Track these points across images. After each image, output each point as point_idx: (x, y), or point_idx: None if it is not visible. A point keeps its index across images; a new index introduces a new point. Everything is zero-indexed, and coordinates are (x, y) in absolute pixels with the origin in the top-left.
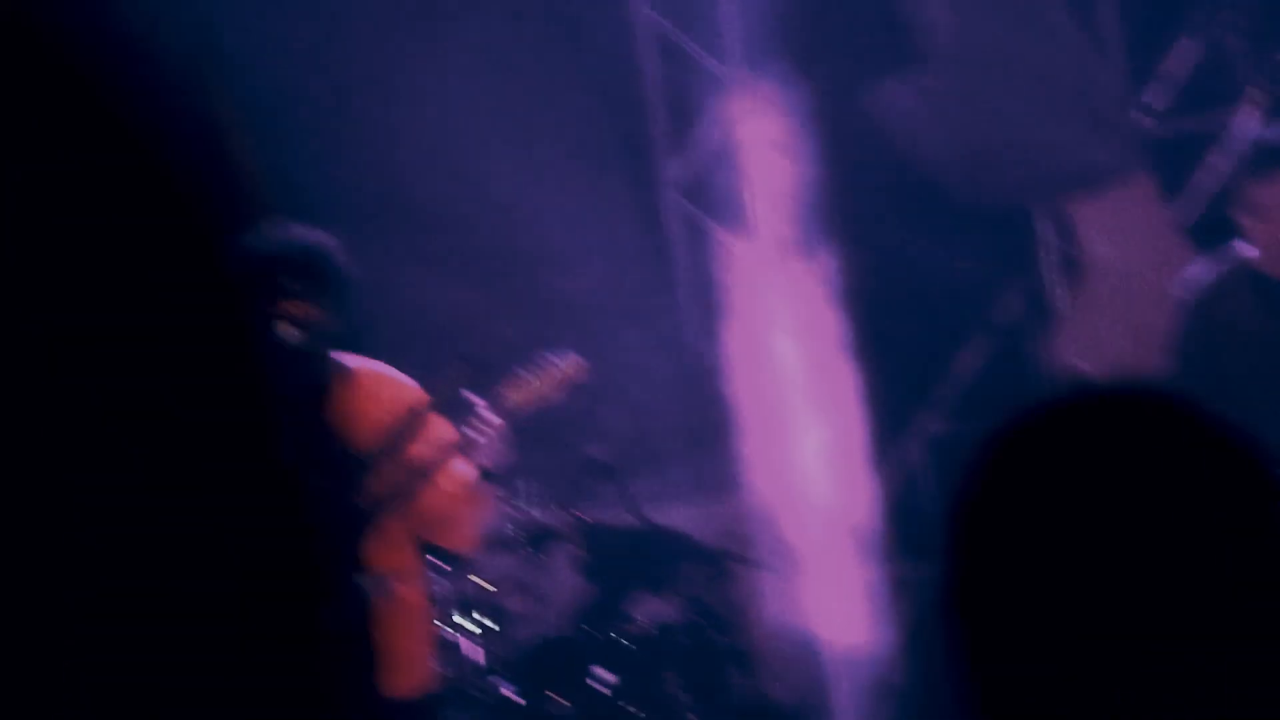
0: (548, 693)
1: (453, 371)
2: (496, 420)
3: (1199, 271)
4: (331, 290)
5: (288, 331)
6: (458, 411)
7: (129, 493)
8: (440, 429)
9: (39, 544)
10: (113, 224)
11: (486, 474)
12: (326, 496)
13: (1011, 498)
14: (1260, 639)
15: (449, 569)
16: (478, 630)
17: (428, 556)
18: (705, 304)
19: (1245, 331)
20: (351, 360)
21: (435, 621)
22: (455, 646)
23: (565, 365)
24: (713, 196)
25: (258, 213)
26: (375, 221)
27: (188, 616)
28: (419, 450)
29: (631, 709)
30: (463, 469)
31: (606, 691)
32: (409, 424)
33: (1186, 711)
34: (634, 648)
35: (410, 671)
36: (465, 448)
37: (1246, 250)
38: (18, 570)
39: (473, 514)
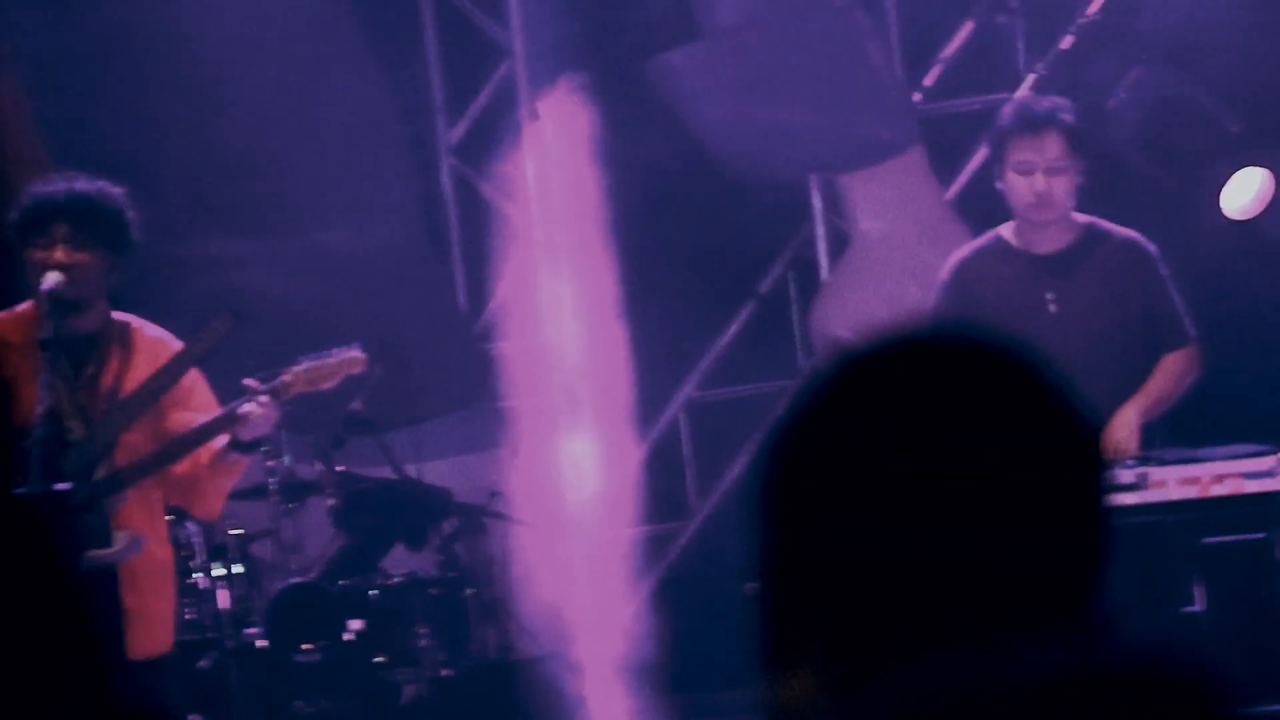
0: (298, 642)
1: (219, 324)
2: (265, 400)
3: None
4: (110, 240)
5: (54, 278)
6: (224, 371)
7: None
8: (203, 393)
9: None
10: None
11: (242, 445)
12: (81, 451)
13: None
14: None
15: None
16: (229, 578)
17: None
18: (477, 266)
19: (996, 302)
20: (122, 315)
21: (187, 571)
22: (206, 594)
23: (347, 357)
24: (490, 161)
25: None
26: (145, 178)
27: None
28: (181, 414)
29: (381, 659)
30: (219, 440)
31: (356, 640)
32: (172, 379)
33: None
34: (386, 599)
35: (157, 629)
36: (230, 421)
37: (1004, 229)
38: None
39: (220, 484)
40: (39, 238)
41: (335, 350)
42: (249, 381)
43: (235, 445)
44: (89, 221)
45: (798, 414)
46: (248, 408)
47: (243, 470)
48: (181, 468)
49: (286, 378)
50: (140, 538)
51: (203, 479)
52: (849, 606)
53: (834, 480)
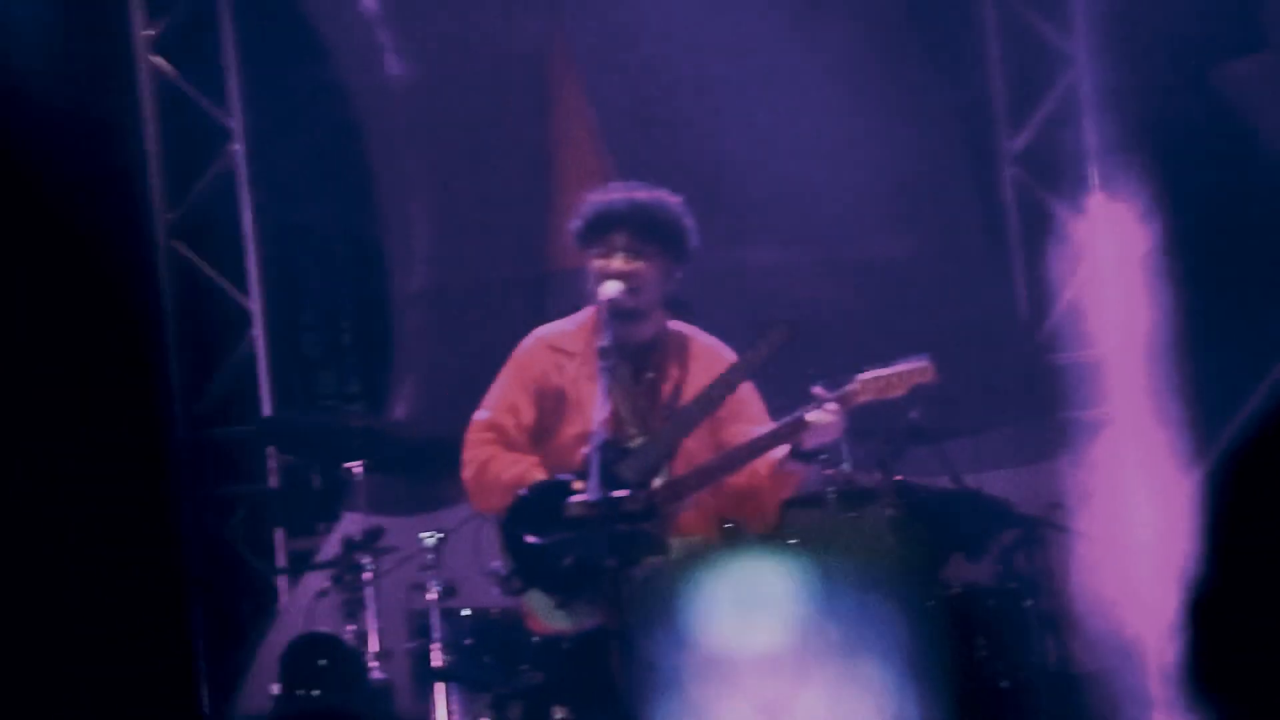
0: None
1: (773, 335)
2: (834, 408)
3: None
4: (668, 249)
5: (613, 288)
6: (781, 383)
7: None
8: (757, 405)
9: None
10: None
11: (803, 455)
12: (640, 459)
13: None
14: None
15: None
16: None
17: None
18: (1039, 276)
19: None
20: (677, 324)
21: None
22: None
23: (917, 367)
24: (1053, 171)
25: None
26: (704, 186)
27: None
28: (737, 426)
29: (935, 673)
30: (778, 451)
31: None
32: (729, 388)
33: None
34: (944, 610)
35: None
36: (797, 428)
37: None
38: None
39: (776, 496)
40: (598, 246)
41: (905, 359)
42: (818, 389)
43: (796, 454)
44: (648, 230)
45: (1256, 445)
46: (815, 415)
47: (799, 482)
48: (740, 479)
49: (854, 385)
50: (705, 542)
51: (762, 490)
52: None
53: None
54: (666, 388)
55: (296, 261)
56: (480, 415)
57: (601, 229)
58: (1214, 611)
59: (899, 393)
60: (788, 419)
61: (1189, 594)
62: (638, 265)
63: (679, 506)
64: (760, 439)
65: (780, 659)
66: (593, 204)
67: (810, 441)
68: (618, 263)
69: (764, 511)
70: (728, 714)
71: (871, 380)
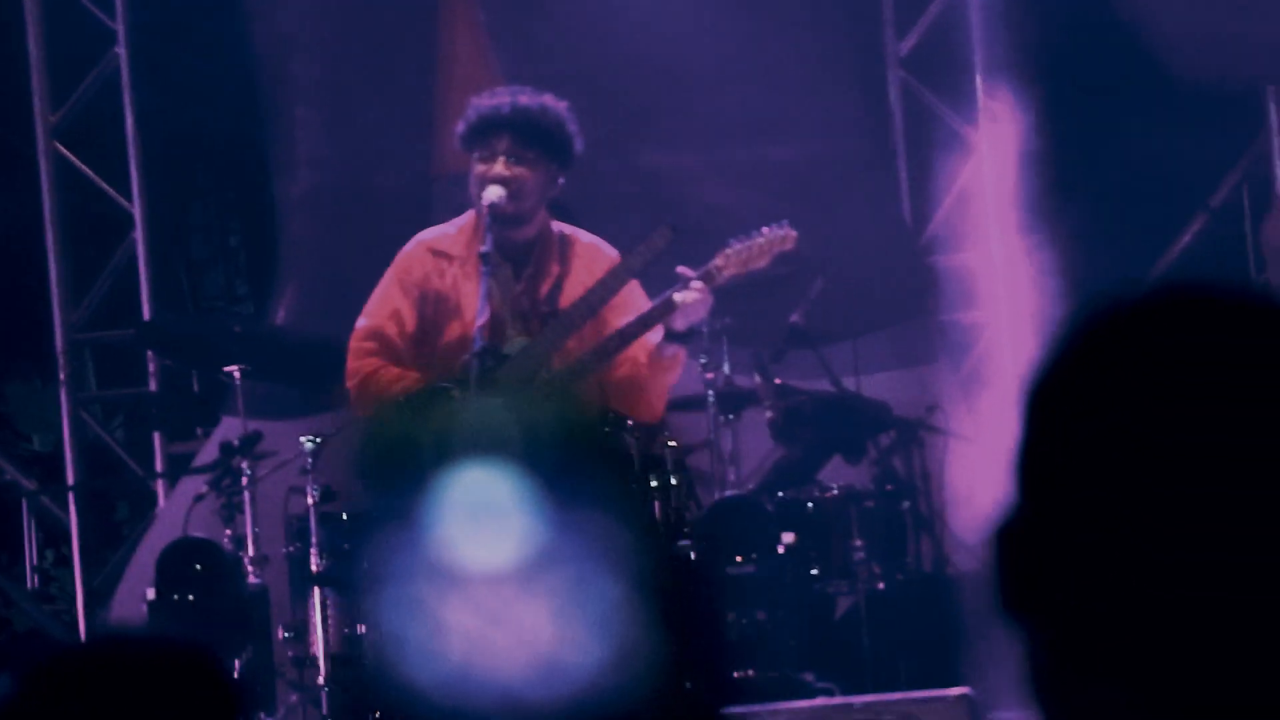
0: (731, 554)
1: (655, 237)
2: (699, 285)
3: None
4: (551, 154)
5: (494, 193)
6: (661, 283)
7: None
8: (641, 302)
9: None
10: None
11: (678, 336)
12: (519, 363)
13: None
14: None
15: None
16: (665, 489)
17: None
18: (923, 179)
19: None
20: (560, 225)
21: None
22: None
23: (777, 235)
24: (939, 74)
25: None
26: (592, 90)
27: None
28: (617, 316)
29: (814, 572)
30: (653, 336)
31: (789, 553)
32: (611, 290)
33: None
34: (821, 511)
35: None
36: (666, 309)
37: None
38: None
39: (661, 381)
40: (481, 150)
41: (765, 229)
42: (682, 269)
43: (671, 336)
44: (531, 135)
45: (1064, 366)
46: (681, 295)
47: (681, 365)
48: (621, 371)
49: (718, 260)
50: None
51: (643, 378)
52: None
53: (1098, 452)
54: (545, 287)
55: (185, 163)
56: (362, 322)
57: (484, 133)
58: (1018, 538)
59: (763, 262)
60: (655, 301)
61: (997, 521)
62: (519, 170)
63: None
64: (630, 325)
65: (506, 568)
66: (476, 108)
67: (682, 322)
68: (499, 167)
69: (650, 400)
70: (450, 617)
71: (734, 253)
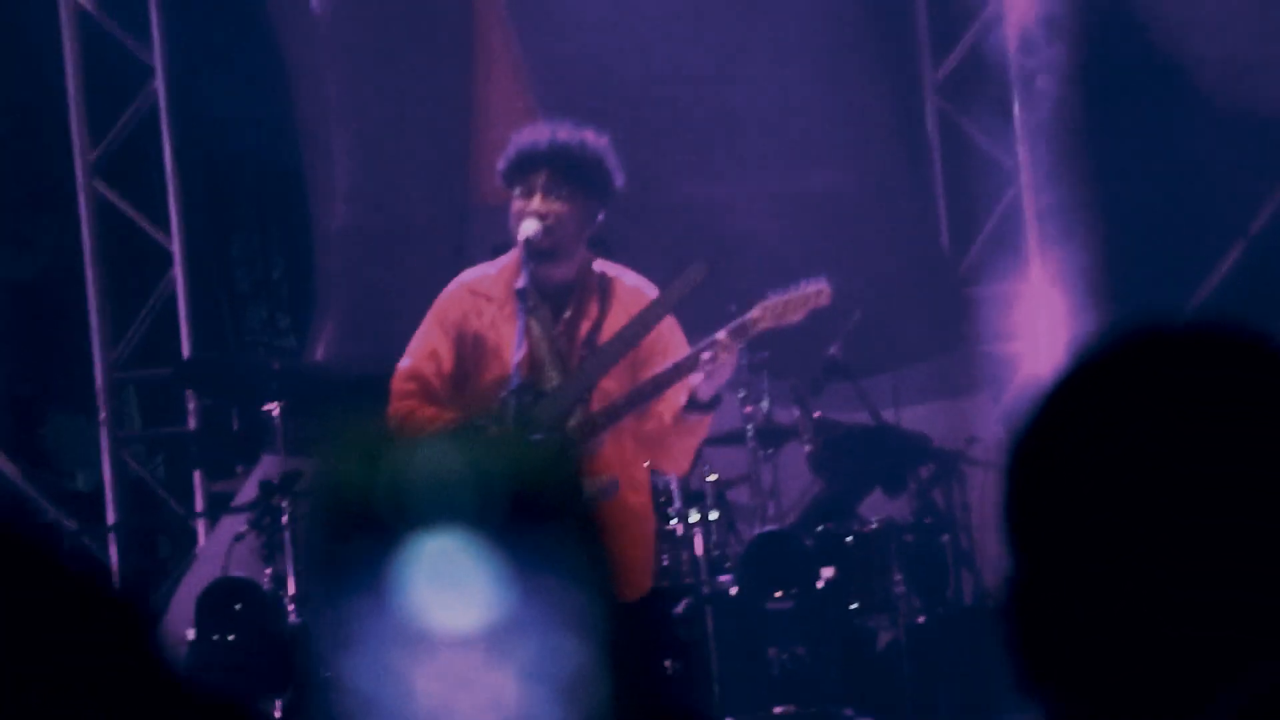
0: (771, 589)
1: (690, 272)
2: (725, 340)
3: None
4: (590, 189)
5: (529, 228)
6: (697, 317)
7: None
8: (679, 342)
9: None
10: None
11: (699, 406)
12: (555, 401)
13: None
14: None
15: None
16: (705, 524)
17: None
18: (961, 208)
19: None
20: (601, 264)
21: (665, 517)
22: (682, 540)
23: (812, 290)
24: (977, 102)
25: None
26: (630, 122)
27: None
28: (653, 355)
29: (854, 606)
30: (681, 396)
31: (829, 587)
32: (646, 327)
33: None
34: (860, 545)
35: (631, 575)
36: (693, 364)
37: None
38: None
39: (685, 442)
40: (519, 185)
41: (802, 282)
42: (721, 333)
43: (693, 405)
44: (568, 170)
45: (1045, 416)
46: (709, 353)
47: (707, 428)
48: (650, 424)
49: (754, 313)
50: (615, 482)
51: (668, 436)
52: (1097, 649)
53: (1080, 503)
54: (584, 327)
55: (226, 196)
56: (403, 363)
57: (523, 168)
58: (1025, 602)
59: (798, 317)
60: (691, 350)
61: (1002, 584)
62: (555, 206)
63: (592, 446)
64: (663, 373)
65: (472, 634)
66: (515, 143)
67: (707, 390)
68: (535, 203)
69: (675, 458)
70: (417, 682)
71: (771, 307)
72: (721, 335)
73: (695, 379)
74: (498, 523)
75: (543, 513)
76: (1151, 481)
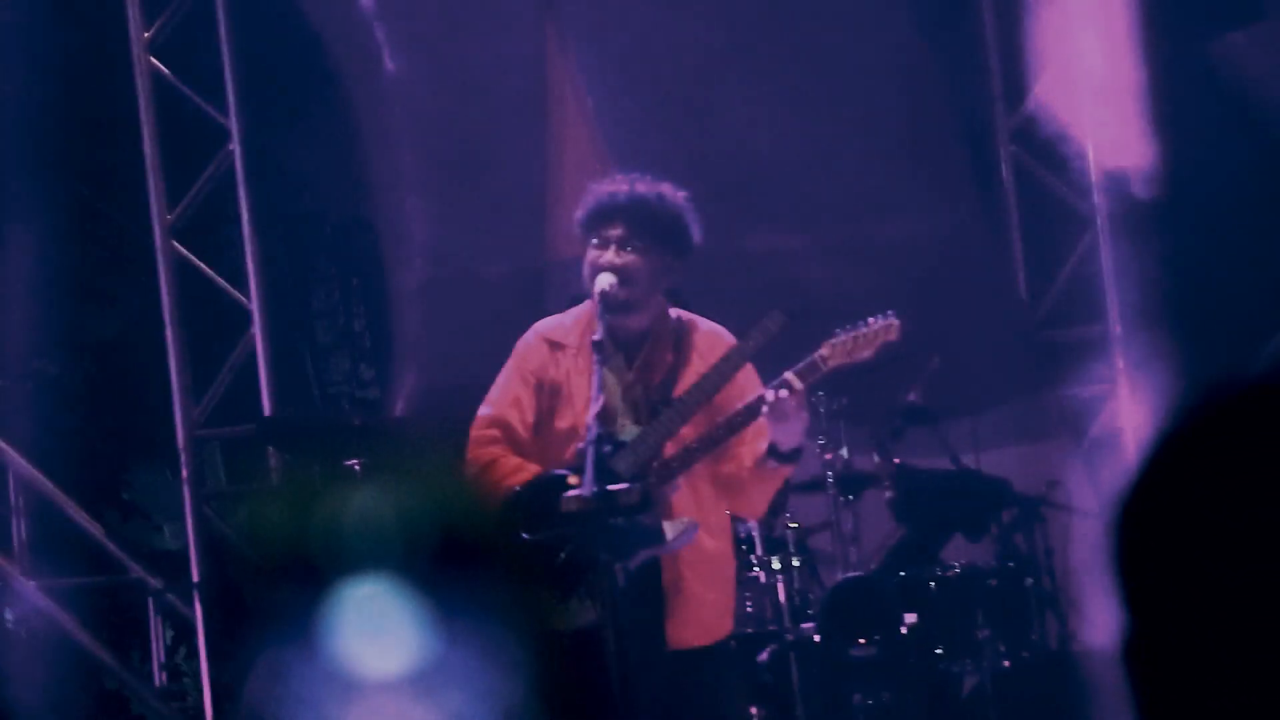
0: (854, 636)
1: (769, 321)
2: (794, 382)
3: None
4: (665, 243)
5: (605, 280)
6: (776, 368)
7: None
8: (754, 384)
9: None
10: None
11: (779, 455)
12: (634, 451)
13: None
14: None
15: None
16: (787, 571)
17: None
18: (1038, 253)
19: None
20: (679, 313)
21: (747, 564)
22: (766, 587)
23: (881, 325)
24: (1051, 146)
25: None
26: (702, 173)
27: None
28: (731, 404)
29: (939, 651)
30: (763, 443)
31: (911, 632)
32: (725, 377)
33: None
34: (943, 590)
35: (707, 619)
36: (760, 404)
37: None
38: None
39: (762, 489)
40: (595, 237)
41: (871, 319)
42: (788, 374)
43: (773, 454)
44: (645, 223)
45: (1154, 479)
46: (775, 393)
47: (784, 478)
48: (728, 468)
49: (824, 351)
50: (693, 525)
51: (745, 480)
52: (1222, 697)
53: (1201, 560)
54: (659, 377)
55: (305, 252)
56: (484, 411)
57: (599, 220)
58: (1142, 661)
59: (867, 354)
60: (763, 390)
61: (1118, 641)
62: (630, 258)
63: (672, 488)
64: (736, 414)
65: (399, 680)
66: (594, 195)
67: (785, 438)
68: (610, 255)
69: (752, 502)
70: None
71: (840, 344)
72: (790, 374)
73: (775, 429)
74: (430, 567)
75: (473, 555)
76: (1265, 540)
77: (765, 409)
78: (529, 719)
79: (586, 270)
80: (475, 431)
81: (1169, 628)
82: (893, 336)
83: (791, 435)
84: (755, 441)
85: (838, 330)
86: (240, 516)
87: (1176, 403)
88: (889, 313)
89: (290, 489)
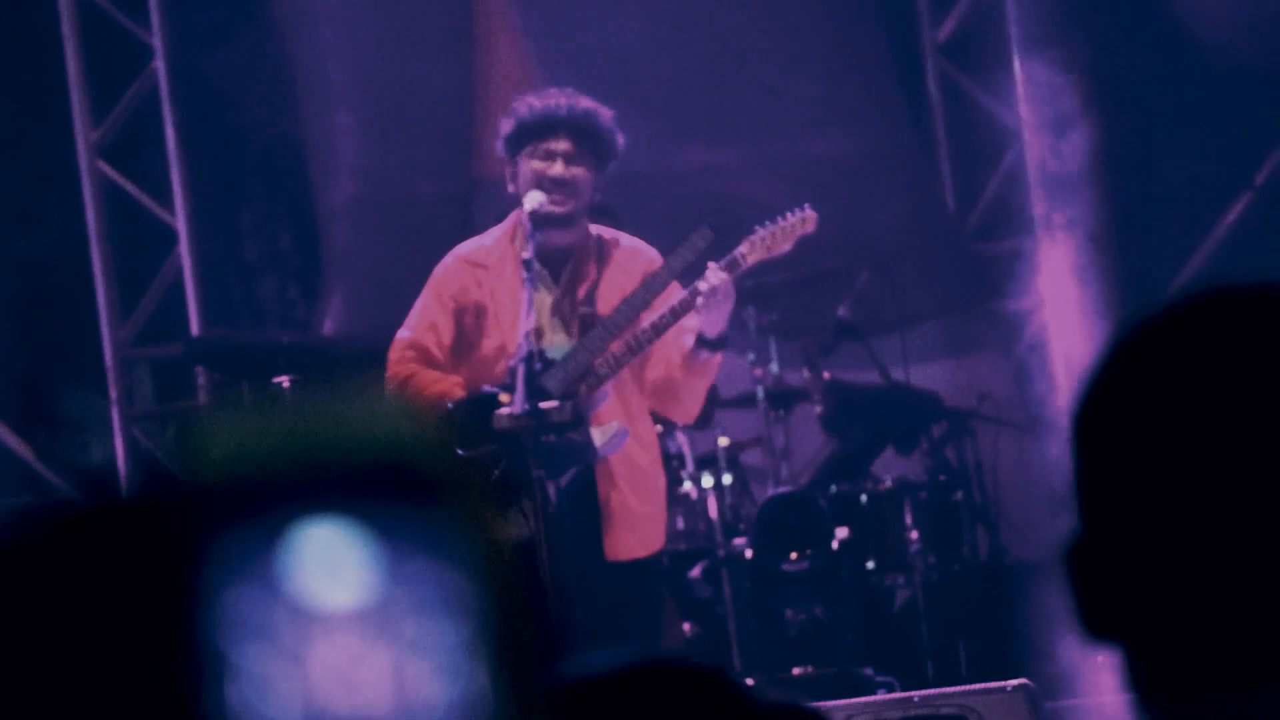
0: (786, 551)
1: (696, 237)
2: (721, 275)
3: None
4: (601, 158)
5: (538, 198)
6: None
7: None
8: (674, 293)
9: None
10: None
11: (708, 344)
12: (564, 369)
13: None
14: None
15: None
16: (718, 487)
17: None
18: (966, 166)
19: None
20: (597, 228)
21: (678, 480)
22: (697, 504)
23: (799, 218)
24: (977, 60)
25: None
26: (630, 89)
27: None
28: (655, 317)
29: (870, 565)
30: (688, 338)
31: (844, 547)
32: (653, 293)
33: None
34: (875, 504)
35: (643, 531)
36: (693, 299)
37: None
38: None
39: (694, 385)
40: (537, 150)
41: (789, 213)
42: (710, 265)
43: (700, 343)
44: (588, 137)
45: (1113, 383)
46: (704, 284)
47: (714, 371)
48: (657, 373)
49: (743, 248)
50: (623, 430)
51: (676, 380)
52: (1168, 602)
53: (1157, 466)
54: (584, 291)
55: (231, 171)
56: (402, 334)
57: (541, 133)
58: (1087, 562)
59: (787, 246)
60: (685, 293)
61: (1064, 543)
62: (577, 171)
63: (598, 398)
64: (661, 317)
65: (347, 618)
66: (532, 107)
67: (712, 327)
68: (559, 168)
69: (684, 404)
70: (300, 672)
71: (759, 239)
72: (712, 267)
73: (693, 321)
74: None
75: (414, 473)
76: (1222, 439)
77: (700, 300)
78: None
79: (524, 182)
80: (392, 354)
81: (1117, 531)
82: (810, 228)
83: (718, 322)
84: (679, 341)
85: (756, 227)
86: (174, 443)
87: (1130, 312)
88: (805, 206)
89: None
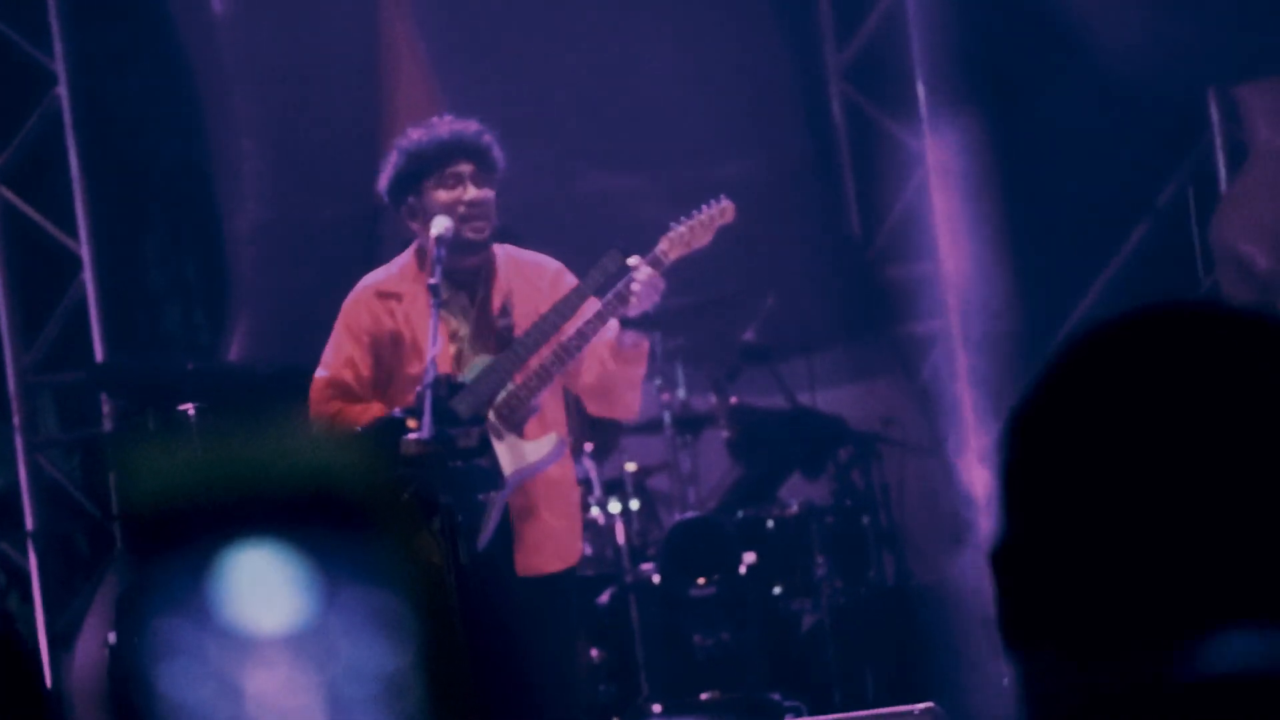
0: (693, 576)
1: (608, 261)
2: (647, 270)
3: None
4: (496, 173)
5: (443, 223)
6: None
7: None
8: (590, 307)
9: None
10: None
11: (633, 323)
12: (473, 394)
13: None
14: None
15: (600, 451)
16: (625, 513)
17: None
18: (870, 191)
19: None
20: (497, 247)
21: (585, 505)
22: (604, 529)
23: (716, 209)
24: (881, 86)
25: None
26: (536, 116)
27: None
28: (573, 327)
29: (777, 590)
30: (612, 331)
31: (751, 572)
32: (569, 312)
33: None
34: (781, 529)
35: (557, 546)
36: (620, 301)
37: None
38: None
39: (630, 374)
40: (443, 179)
41: (704, 206)
42: (632, 260)
43: (627, 324)
44: (488, 158)
45: (1048, 392)
46: (632, 285)
47: (646, 355)
48: (589, 376)
49: (663, 245)
50: (562, 441)
51: (612, 376)
52: (1090, 595)
53: (1086, 471)
54: (498, 305)
55: (135, 197)
56: (320, 374)
57: (442, 161)
58: (1014, 563)
59: (706, 239)
60: (608, 296)
61: (992, 545)
62: (485, 192)
63: (523, 416)
64: (587, 323)
65: (280, 643)
66: (426, 138)
67: (635, 308)
68: (471, 191)
69: (625, 398)
70: (242, 685)
71: (677, 235)
72: (633, 260)
73: (633, 306)
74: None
75: (359, 507)
76: (1151, 453)
77: (633, 300)
78: (419, 661)
79: (437, 210)
80: (314, 395)
81: (1046, 531)
82: (729, 218)
83: (639, 306)
84: (605, 341)
85: (672, 223)
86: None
87: (1076, 328)
88: (721, 196)
89: (152, 441)
